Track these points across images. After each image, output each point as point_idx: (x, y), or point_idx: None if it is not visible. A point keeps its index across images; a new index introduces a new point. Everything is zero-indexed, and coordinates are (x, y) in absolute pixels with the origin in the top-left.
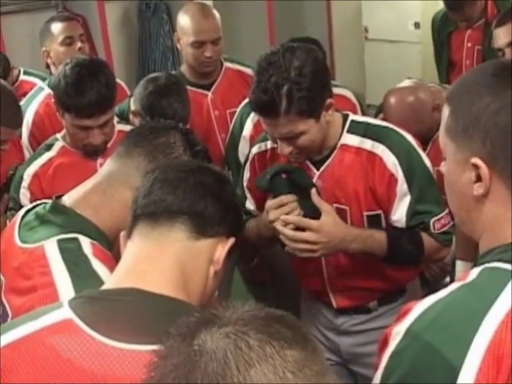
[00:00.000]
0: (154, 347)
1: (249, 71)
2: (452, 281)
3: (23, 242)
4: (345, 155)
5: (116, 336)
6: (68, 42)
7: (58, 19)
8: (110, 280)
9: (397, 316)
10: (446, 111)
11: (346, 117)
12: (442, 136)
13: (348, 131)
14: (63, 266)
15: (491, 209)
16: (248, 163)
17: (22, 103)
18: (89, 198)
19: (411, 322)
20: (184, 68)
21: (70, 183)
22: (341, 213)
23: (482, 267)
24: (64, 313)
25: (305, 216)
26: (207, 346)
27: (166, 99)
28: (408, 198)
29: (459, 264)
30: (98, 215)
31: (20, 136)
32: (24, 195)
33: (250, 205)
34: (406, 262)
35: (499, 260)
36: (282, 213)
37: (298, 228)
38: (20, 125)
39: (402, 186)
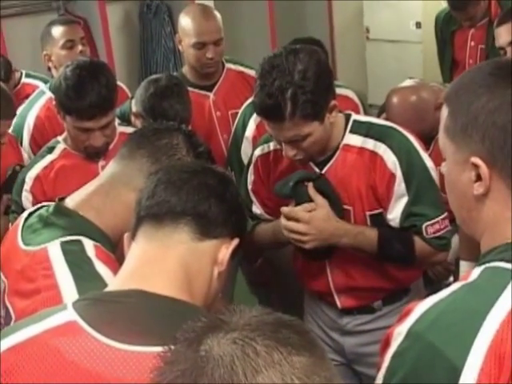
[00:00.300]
0: (159, 349)
1: (251, 72)
2: (456, 280)
3: (26, 244)
4: (347, 155)
5: (120, 338)
6: (69, 45)
7: (58, 23)
8: (114, 281)
9: (398, 316)
10: (444, 111)
11: (348, 117)
12: (441, 136)
13: (350, 131)
14: (66, 269)
15: (492, 208)
16: (252, 166)
17: (23, 107)
18: (92, 200)
19: (413, 322)
20: (186, 69)
21: (71, 186)
22: (344, 213)
23: (482, 267)
24: (68, 315)
25: None
26: (214, 352)
27: (167, 101)
28: (405, 199)
29: (463, 264)
30: (101, 217)
31: (21, 140)
32: (26, 198)
33: (256, 209)
34: (397, 262)
35: (500, 259)
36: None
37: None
38: (14, 114)
39: (400, 185)
